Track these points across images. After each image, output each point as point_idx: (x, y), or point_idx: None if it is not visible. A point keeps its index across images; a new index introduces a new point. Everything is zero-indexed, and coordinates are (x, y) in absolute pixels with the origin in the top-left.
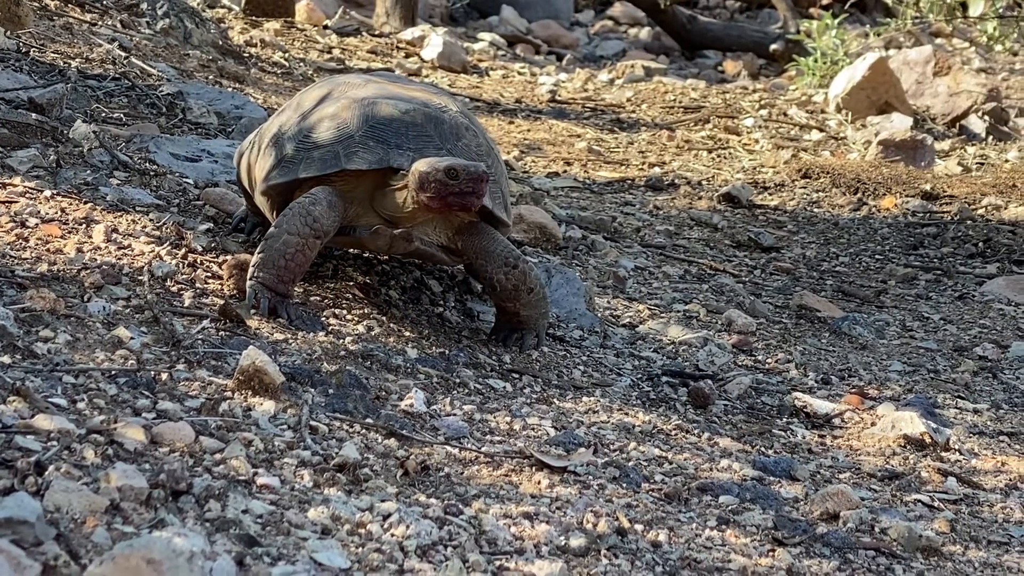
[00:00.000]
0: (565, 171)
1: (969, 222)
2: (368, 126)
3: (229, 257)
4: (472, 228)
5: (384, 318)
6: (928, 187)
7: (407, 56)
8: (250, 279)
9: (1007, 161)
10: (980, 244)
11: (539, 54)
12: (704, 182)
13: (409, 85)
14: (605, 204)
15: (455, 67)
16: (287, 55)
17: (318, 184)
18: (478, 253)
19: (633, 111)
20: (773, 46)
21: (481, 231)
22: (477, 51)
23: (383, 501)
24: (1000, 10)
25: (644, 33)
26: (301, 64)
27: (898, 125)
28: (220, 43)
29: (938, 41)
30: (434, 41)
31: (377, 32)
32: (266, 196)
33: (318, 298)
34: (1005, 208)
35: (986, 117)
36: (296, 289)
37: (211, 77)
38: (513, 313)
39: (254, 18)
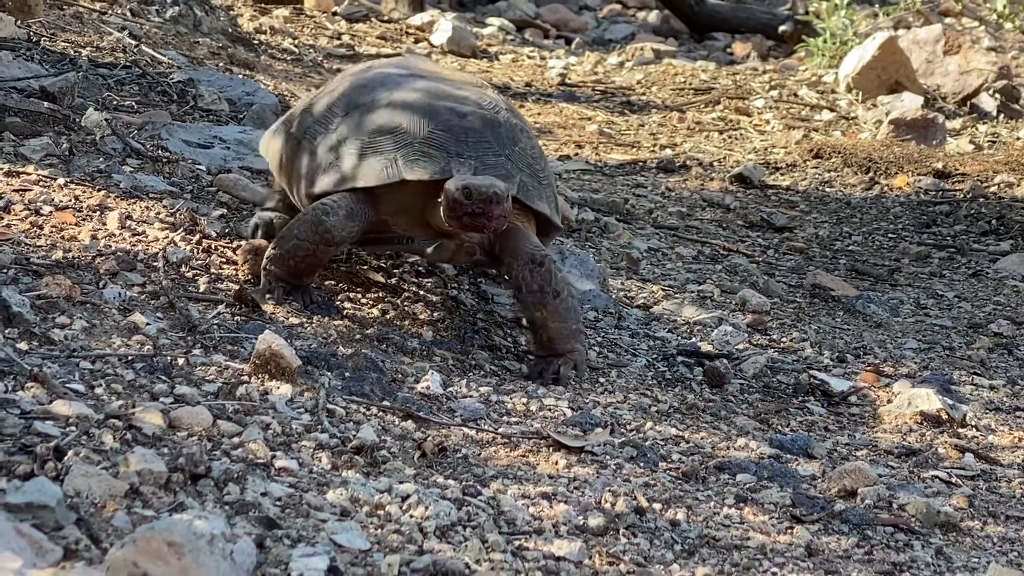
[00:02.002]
0: (576, 154)
1: (982, 200)
2: (427, 132)
3: (243, 242)
4: (509, 229)
5: (399, 301)
6: (940, 165)
7: (416, 41)
8: (264, 268)
9: (1019, 139)
10: (993, 221)
11: (548, 38)
12: (715, 163)
13: (453, 77)
14: (617, 186)
15: (464, 52)
16: (297, 42)
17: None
18: (506, 252)
19: (643, 93)
20: (782, 27)
21: (514, 231)
22: (486, 36)
23: (401, 483)
24: None
25: (653, 16)
26: (311, 51)
27: (909, 104)
28: (230, 30)
29: (947, 21)
30: (443, 26)
31: (386, 18)
32: (314, 199)
33: (332, 282)
34: (1018, 185)
35: (997, 95)
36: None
37: (221, 64)
38: (542, 326)
39: (263, 5)
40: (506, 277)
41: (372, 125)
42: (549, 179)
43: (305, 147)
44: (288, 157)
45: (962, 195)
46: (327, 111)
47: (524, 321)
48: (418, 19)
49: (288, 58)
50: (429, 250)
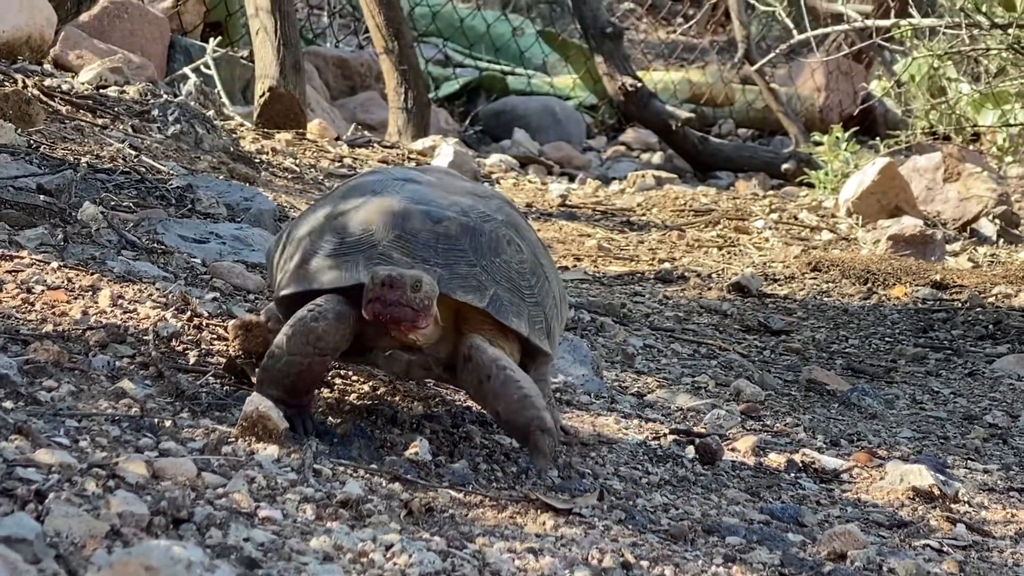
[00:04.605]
0: (575, 266)
1: (979, 308)
2: (394, 236)
3: (235, 319)
4: (471, 343)
5: (389, 379)
6: (938, 277)
7: (418, 165)
8: (258, 391)
9: (1018, 259)
10: (990, 327)
11: (551, 174)
12: (714, 275)
13: (456, 186)
14: (615, 294)
15: (466, 176)
16: (298, 161)
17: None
18: (467, 366)
19: (643, 214)
20: (785, 165)
21: (473, 344)
22: (489, 164)
23: (386, 534)
24: (1009, 119)
25: (656, 157)
26: (312, 170)
27: (908, 222)
28: (231, 149)
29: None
30: (445, 151)
31: (389, 144)
32: (280, 303)
33: None
34: (1016, 296)
35: (997, 220)
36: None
37: (221, 178)
38: (495, 413)
39: (266, 130)
40: (469, 391)
41: (345, 228)
42: (540, 298)
43: (287, 251)
44: (274, 263)
45: (959, 304)
46: (313, 216)
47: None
48: (420, 144)
49: (289, 176)
50: (380, 362)
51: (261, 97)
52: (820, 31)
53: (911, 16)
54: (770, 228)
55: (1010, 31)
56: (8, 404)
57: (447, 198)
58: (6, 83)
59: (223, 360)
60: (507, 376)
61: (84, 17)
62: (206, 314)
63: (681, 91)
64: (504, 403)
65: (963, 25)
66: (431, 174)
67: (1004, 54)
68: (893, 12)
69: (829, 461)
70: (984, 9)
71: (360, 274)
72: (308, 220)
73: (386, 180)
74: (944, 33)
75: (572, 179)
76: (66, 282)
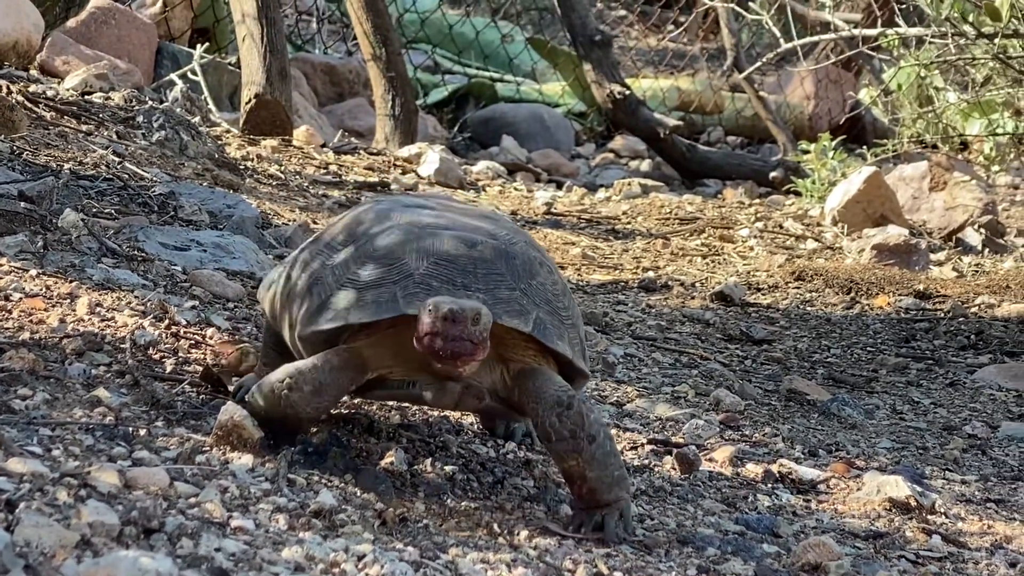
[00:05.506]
0: None
1: (962, 318)
2: (431, 262)
3: (213, 330)
4: (528, 370)
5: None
6: (921, 287)
7: (404, 172)
8: (249, 411)
9: (1002, 269)
10: (972, 337)
11: (539, 182)
12: (697, 284)
13: (465, 210)
14: (597, 303)
15: (452, 183)
16: (283, 168)
17: (368, 329)
18: (529, 396)
19: (628, 223)
20: (773, 173)
21: (535, 372)
22: (476, 171)
23: (359, 544)
24: (996, 128)
25: (645, 165)
26: (297, 177)
27: (892, 231)
28: (216, 156)
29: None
30: (431, 158)
31: (374, 150)
32: (306, 342)
33: None
34: (998, 306)
35: (982, 230)
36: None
37: (205, 184)
38: (579, 476)
39: (252, 137)
40: (533, 426)
41: (370, 258)
42: (573, 319)
43: (299, 286)
44: (282, 299)
45: (942, 314)
46: (325, 247)
47: (558, 471)
48: (406, 151)
49: (273, 183)
50: (429, 395)
51: (247, 104)
52: (809, 39)
53: (898, 25)
54: (755, 237)
55: (996, 41)
56: None
57: (467, 222)
58: None
59: (200, 369)
60: (613, 447)
61: (71, 23)
62: (184, 322)
63: (670, 98)
64: (598, 471)
65: (950, 35)
66: (434, 199)
67: (991, 63)
68: (881, 21)
69: (806, 472)
70: (971, 19)
71: (400, 305)
72: (319, 250)
73: (395, 208)
74: (931, 42)
75: (560, 186)
76: (44, 290)
